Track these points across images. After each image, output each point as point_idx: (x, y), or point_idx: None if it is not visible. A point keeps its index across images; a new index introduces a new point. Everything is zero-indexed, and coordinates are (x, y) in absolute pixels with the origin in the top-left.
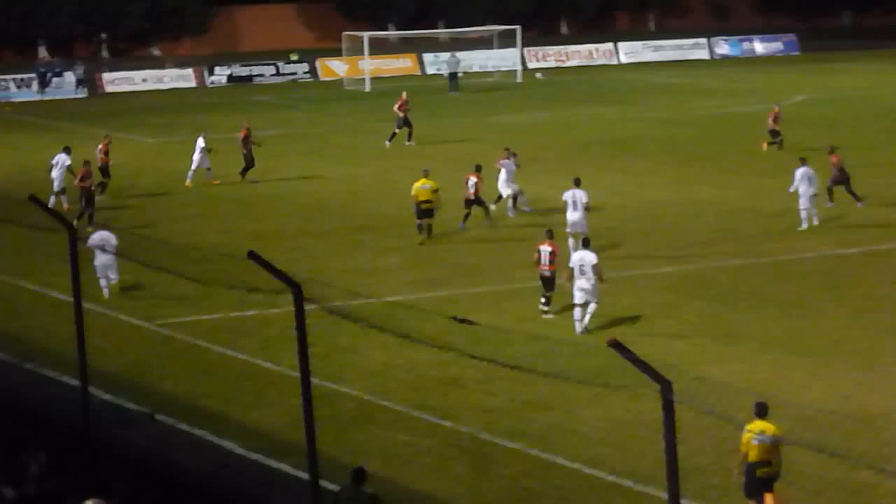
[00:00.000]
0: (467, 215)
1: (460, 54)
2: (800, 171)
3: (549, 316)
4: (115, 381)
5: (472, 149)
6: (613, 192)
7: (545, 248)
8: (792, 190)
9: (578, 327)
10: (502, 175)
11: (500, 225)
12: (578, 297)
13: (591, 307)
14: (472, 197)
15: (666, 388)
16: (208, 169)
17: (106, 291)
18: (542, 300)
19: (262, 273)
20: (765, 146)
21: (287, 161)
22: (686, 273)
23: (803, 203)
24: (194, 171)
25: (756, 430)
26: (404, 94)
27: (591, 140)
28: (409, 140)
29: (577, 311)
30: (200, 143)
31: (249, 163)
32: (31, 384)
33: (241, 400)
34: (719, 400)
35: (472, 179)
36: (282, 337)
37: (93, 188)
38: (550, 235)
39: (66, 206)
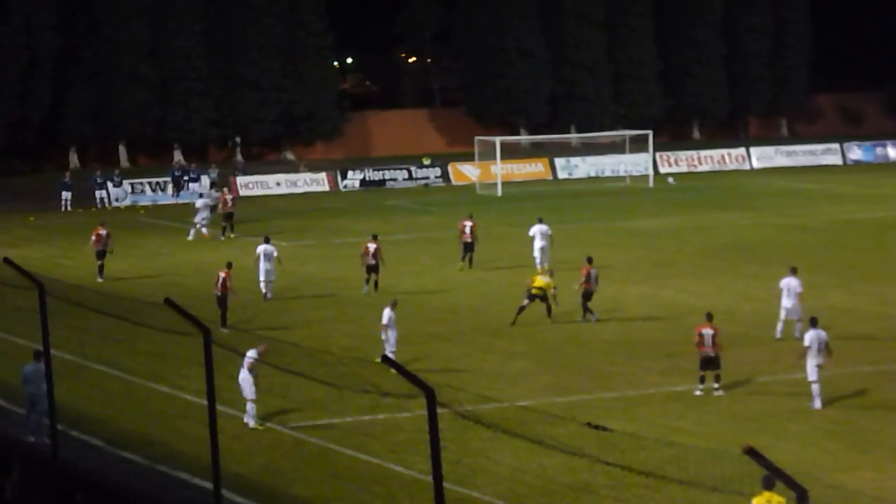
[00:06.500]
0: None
1: (592, 158)
2: None
3: (720, 392)
4: (245, 484)
5: (603, 253)
6: (745, 298)
7: (707, 332)
8: None
9: (818, 403)
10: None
11: (630, 329)
12: (816, 375)
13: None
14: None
15: (801, 496)
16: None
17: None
18: (706, 379)
19: (393, 377)
20: None
21: (419, 265)
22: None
23: None
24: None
25: (764, 500)
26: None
27: (723, 245)
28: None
29: (815, 387)
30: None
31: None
32: (164, 486)
33: None
34: None
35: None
36: (412, 441)
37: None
38: (710, 318)
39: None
